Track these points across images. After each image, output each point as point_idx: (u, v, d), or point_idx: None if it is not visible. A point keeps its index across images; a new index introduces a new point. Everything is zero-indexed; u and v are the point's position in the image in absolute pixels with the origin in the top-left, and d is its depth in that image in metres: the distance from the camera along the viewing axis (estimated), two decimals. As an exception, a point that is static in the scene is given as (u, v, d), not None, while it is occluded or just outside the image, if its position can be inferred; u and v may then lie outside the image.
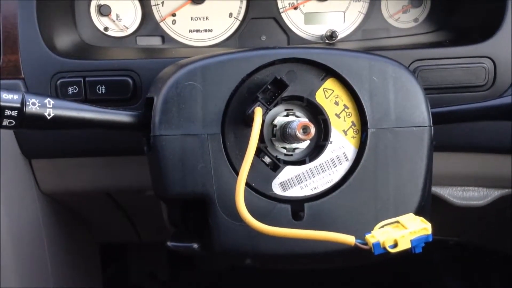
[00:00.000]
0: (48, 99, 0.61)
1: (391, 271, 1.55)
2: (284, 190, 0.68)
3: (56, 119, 0.62)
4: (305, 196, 0.68)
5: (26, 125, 0.60)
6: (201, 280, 1.63)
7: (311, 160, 0.68)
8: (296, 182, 0.68)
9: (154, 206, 0.86)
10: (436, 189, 0.92)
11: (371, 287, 1.58)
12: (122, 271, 1.62)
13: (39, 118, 0.61)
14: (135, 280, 1.64)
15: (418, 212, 0.67)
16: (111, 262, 1.56)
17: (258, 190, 0.67)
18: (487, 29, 0.83)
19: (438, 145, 0.72)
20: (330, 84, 0.69)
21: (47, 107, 0.61)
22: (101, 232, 1.23)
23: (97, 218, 1.15)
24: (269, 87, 0.65)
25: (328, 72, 0.68)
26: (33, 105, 0.60)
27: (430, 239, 0.55)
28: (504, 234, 1.19)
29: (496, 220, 1.11)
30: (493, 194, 0.92)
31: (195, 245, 0.69)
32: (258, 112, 0.63)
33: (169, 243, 0.70)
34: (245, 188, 0.66)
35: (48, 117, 0.61)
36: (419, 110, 0.68)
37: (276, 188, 0.68)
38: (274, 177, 0.68)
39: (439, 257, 1.50)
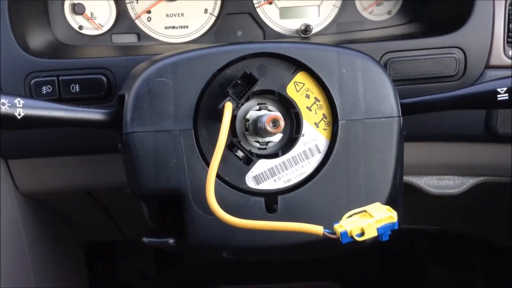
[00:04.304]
0: (18, 98, 0.62)
1: (377, 262, 1.57)
2: (257, 184, 0.69)
3: (27, 119, 0.62)
4: (278, 188, 0.69)
5: (-4, 125, 0.60)
6: (189, 276, 1.64)
7: (284, 153, 0.69)
8: (269, 175, 0.69)
9: (135, 204, 0.87)
10: (412, 179, 0.93)
11: (355, 279, 1.59)
12: (110, 269, 1.62)
13: (9, 118, 0.61)
14: (123, 278, 1.64)
15: (389, 201, 0.68)
16: (99, 260, 1.56)
17: (232, 184, 0.68)
18: (457, 19, 0.84)
19: (410, 135, 0.73)
20: (300, 77, 0.69)
21: (17, 107, 0.61)
22: (84, 231, 1.23)
23: (78, 217, 1.15)
24: (239, 82, 0.66)
25: (298, 65, 0.69)
26: (3, 105, 0.60)
27: (396, 227, 0.56)
28: (482, 221, 1.21)
29: (473, 207, 1.12)
30: (468, 182, 0.93)
31: (171, 240, 0.70)
32: (228, 106, 0.64)
33: (145, 239, 0.71)
34: (219, 182, 0.67)
35: (19, 117, 0.61)
36: (388, 101, 0.69)
37: (250, 181, 0.69)
38: (248, 170, 0.69)
39: (421, 247, 1.52)
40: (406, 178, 0.93)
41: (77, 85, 0.79)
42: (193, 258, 1.54)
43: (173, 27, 0.94)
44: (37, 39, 0.85)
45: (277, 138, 0.70)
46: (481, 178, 0.93)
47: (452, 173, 0.93)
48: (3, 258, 0.88)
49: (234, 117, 0.68)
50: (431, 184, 0.93)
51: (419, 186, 0.93)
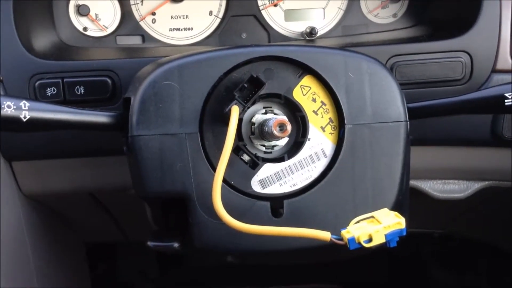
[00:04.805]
0: (24, 101, 0.61)
1: (380, 266, 1.56)
2: (263, 188, 0.69)
3: (32, 121, 0.61)
4: (284, 193, 0.69)
5: (2, 128, 0.60)
6: (190, 277, 1.63)
7: (290, 157, 0.69)
8: (275, 179, 0.69)
9: (138, 205, 0.86)
10: (417, 183, 0.92)
11: (358, 283, 1.59)
12: (111, 270, 1.62)
13: (14, 121, 0.60)
14: (124, 278, 1.64)
15: (395, 206, 0.67)
16: (100, 261, 1.56)
17: (237, 188, 0.68)
18: (463, 23, 0.83)
19: (416, 139, 0.73)
20: (307, 81, 0.69)
21: (23, 110, 0.61)
22: (86, 232, 1.23)
23: (81, 219, 1.15)
24: (246, 85, 0.66)
25: (304, 69, 0.69)
26: (8, 107, 0.60)
27: (404, 233, 0.56)
28: (487, 225, 1.20)
29: (478, 212, 1.12)
30: (474, 186, 0.93)
31: (176, 244, 0.69)
32: (235, 110, 0.64)
33: (149, 243, 0.70)
34: (224, 186, 0.66)
35: (24, 120, 0.61)
36: (395, 105, 0.68)
37: (256, 185, 0.68)
38: (253, 174, 0.68)
39: (426, 250, 1.52)
40: (411, 182, 0.92)
41: (81, 87, 0.79)
42: (195, 260, 1.54)
43: (178, 29, 0.94)
44: (42, 40, 0.84)
45: (283, 142, 0.69)
46: (487, 182, 0.93)
47: (457, 178, 0.93)
48: (6, 258, 0.88)
49: (240, 121, 0.68)
50: (436, 188, 0.93)
51: (424, 190, 0.93)
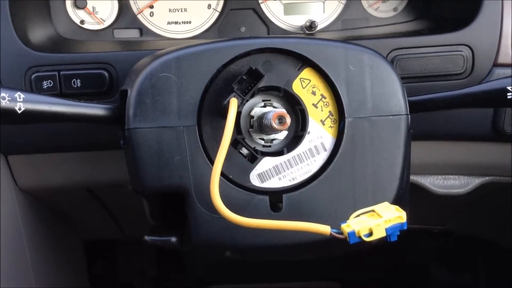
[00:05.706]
0: (19, 93, 0.60)
1: (379, 262, 1.56)
2: (262, 182, 0.68)
3: (27, 113, 0.61)
4: (283, 187, 0.68)
5: (-4, 120, 0.59)
6: (189, 275, 1.63)
7: (289, 151, 0.68)
8: (274, 173, 0.68)
9: (136, 201, 0.85)
10: (417, 178, 0.92)
11: (356, 280, 1.59)
12: (109, 268, 1.61)
13: (9, 113, 0.60)
14: (123, 277, 1.63)
15: (396, 201, 0.67)
16: (99, 259, 1.55)
17: (236, 182, 0.67)
18: (465, 17, 0.83)
19: (417, 133, 0.72)
20: (307, 74, 0.68)
21: (18, 101, 0.60)
22: (84, 229, 1.22)
23: (78, 215, 1.14)
24: (245, 78, 0.65)
25: (304, 62, 0.68)
26: (3, 99, 0.59)
27: (405, 227, 0.55)
28: (487, 221, 1.20)
29: (479, 208, 1.11)
30: (474, 182, 0.92)
31: (173, 239, 0.69)
32: (233, 103, 0.63)
33: (146, 237, 0.69)
34: (222, 180, 0.66)
35: (19, 111, 0.60)
36: (396, 99, 0.67)
37: (254, 179, 0.68)
38: (252, 168, 0.67)
39: (425, 247, 1.51)
40: (411, 178, 0.91)
41: (78, 80, 0.78)
42: (194, 257, 1.53)
43: (176, 23, 0.93)
44: (38, 33, 0.83)
45: (282, 135, 0.68)
46: (487, 178, 0.92)
47: (457, 173, 0.92)
48: (3, 255, 0.87)
49: (238, 114, 0.67)
50: (436, 183, 0.92)
51: (424, 185, 0.92)
